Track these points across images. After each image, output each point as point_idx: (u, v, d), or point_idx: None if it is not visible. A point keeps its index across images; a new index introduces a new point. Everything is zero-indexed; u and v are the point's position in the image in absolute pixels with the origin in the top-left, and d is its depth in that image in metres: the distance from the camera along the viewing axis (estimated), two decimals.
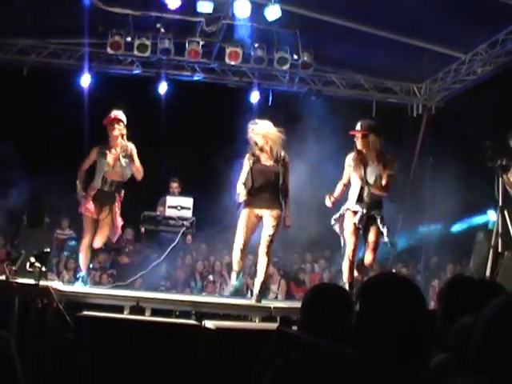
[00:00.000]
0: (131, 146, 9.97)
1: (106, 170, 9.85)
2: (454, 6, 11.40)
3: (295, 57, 13.89)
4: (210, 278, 14.48)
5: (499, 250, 10.00)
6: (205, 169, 15.75)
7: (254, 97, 14.92)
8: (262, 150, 9.37)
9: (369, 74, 15.17)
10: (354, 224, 9.23)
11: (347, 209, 9.36)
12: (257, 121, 9.61)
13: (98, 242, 10.14)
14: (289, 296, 14.26)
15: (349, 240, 9.29)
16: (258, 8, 12.54)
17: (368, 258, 9.33)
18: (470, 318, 2.67)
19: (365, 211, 9.20)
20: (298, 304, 3.63)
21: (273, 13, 12.41)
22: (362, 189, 9.24)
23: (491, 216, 11.18)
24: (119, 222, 10.21)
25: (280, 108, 14.24)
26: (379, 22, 12.64)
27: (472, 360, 1.98)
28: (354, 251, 9.28)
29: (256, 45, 13.70)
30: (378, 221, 9.27)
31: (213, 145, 16.25)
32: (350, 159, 9.38)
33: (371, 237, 9.31)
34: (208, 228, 14.12)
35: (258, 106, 14.99)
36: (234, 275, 9.92)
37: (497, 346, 1.88)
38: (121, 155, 9.87)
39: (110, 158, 9.83)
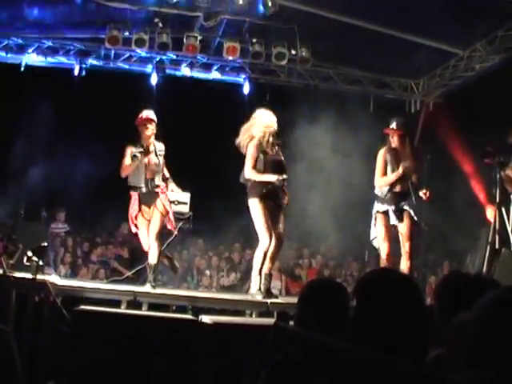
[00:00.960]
0: (162, 146, 9.97)
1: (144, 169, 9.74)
2: (453, 1, 11.40)
3: (293, 52, 13.88)
4: (207, 272, 14.48)
5: (496, 246, 10.01)
6: (202, 163, 15.75)
7: (246, 89, 14.89)
8: (266, 141, 9.31)
9: (367, 70, 15.16)
10: (386, 227, 9.25)
11: (377, 211, 9.36)
12: (258, 112, 9.57)
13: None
14: (285, 291, 14.27)
15: (382, 245, 9.29)
16: (255, 3, 12.54)
17: (406, 246, 9.29)
18: (467, 314, 2.67)
19: (393, 207, 9.23)
20: (294, 299, 3.63)
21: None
22: (394, 184, 9.28)
23: (489, 213, 11.18)
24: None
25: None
26: (377, 18, 12.64)
27: (468, 354, 1.98)
28: (389, 255, 9.30)
29: (254, 40, 13.68)
30: (411, 211, 9.27)
31: (210, 139, 16.26)
32: (383, 155, 9.46)
33: (404, 228, 9.28)
34: (205, 223, 14.12)
35: (255, 101, 14.97)
36: (257, 279, 9.45)
37: (492, 339, 1.88)
38: (155, 153, 9.84)
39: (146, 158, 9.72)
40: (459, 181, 13.69)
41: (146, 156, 9.67)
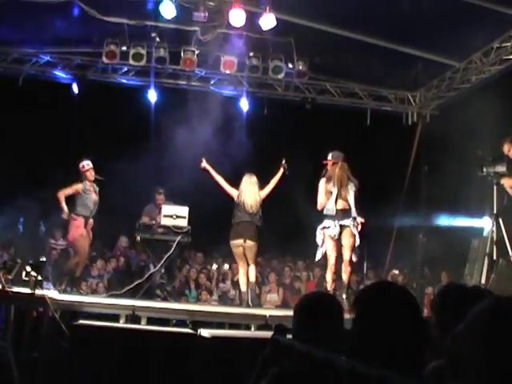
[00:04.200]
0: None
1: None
2: (449, 14, 11.44)
3: (290, 65, 13.91)
4: (208, 284, 14.48)
5: (494, 257, 10.02)
6: (200, 177, 15.76)
7: (244, 104, 14.93)
8: None
9: (363, 83, 15.20)
10: (332, 239, 10.65)
11: (323, 227, 10.76)
12: None
13: None
14: (284, 304, 14.26)
15: (331, 255, 10.75)
16: (252, 17, 12.57)
17: (346, 255, 10.64)
18: (461, 326, 2.68)
19: (336, 223, 10.63)
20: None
21: (267, 21, 12.42)
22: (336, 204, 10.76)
23: (486, 224, 11.19)
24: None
25: None
26: (374, 31, 12.67)
27: (463, 365, 1.99)
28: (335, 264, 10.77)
29: (251, 54, 13.71)
30: (351, 226, 10.63)
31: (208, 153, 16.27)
32: (323, 183, 10.89)
33: (345, 240, 10.63)
34: (204, 237, 14.14)
35: (252, 115, 15.02)
36: None
37: (486, 350, 1.88)
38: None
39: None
40: (456, 191, 13.70)
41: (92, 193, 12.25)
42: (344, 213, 10.67)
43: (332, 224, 10.61)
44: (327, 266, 10.84)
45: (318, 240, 10.79)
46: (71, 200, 12.01)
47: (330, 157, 10.90)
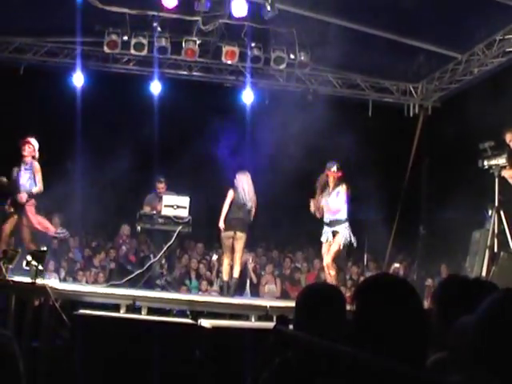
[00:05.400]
0: None
1: None
2: (452, 6, 11.41)
3: (292, 56, 13.87)
4: (208, 274, 14.49)
5: (495, 249, 10.02)
6: (201, 167, 15.76)
7: (246, 96, 14.90)
8: None
9: (365, 74, 15.17)
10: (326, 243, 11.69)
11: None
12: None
13: None
14: (284, 295, 14.27)
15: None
16: (254, 7, 12.55)
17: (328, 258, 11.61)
18: (468, 317, 2.67)
19: (327, 229, 11.67)
20: (293, 303, 3.64)
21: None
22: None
23: (487, 216, 11.18)
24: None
25: None
26: (376, 22, 12.65)
27: (470, 356, 1.98)
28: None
29: (253, 44, 13.67)
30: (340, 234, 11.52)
31: (208, 143, 16.25)
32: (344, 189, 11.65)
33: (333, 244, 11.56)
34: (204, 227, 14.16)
35: (254, 105, 15.00)
36: None
37: (495, 341, 1.88)
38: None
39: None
40: (457, 183, 13.69)
41: None
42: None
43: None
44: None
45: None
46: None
47: (335, 169, 11.58)
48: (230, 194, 12.02)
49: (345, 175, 11.67)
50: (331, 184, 11.61)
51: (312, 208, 11.70)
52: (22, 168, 11.30)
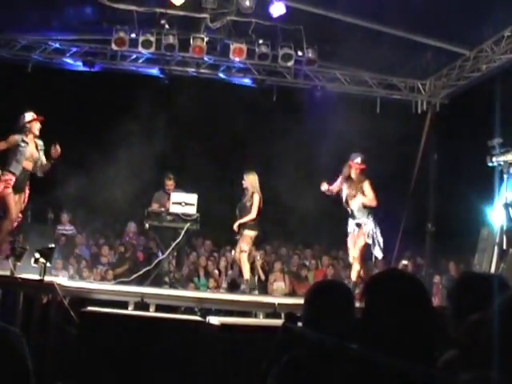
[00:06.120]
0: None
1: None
2: (459, 2, 11.38)
3: (300, 53, 13.85)
4: (216, 272, 14.48)
5: (504, 246, 10.00)
6: (208, 164, 15.77)
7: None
8: None
9: (373, 71, 15.13)
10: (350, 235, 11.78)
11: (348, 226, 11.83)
12: None
13: None
14: (292, 292, 14.26)
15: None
16: (262, 4, 12.55)
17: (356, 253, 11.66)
18: (479, 315, 2.65)
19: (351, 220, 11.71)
20: (301, 300, 3.63)
21: (277, 9, 12.43)
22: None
23: (496, 213, 11.16)
24: None
25: None
26: (384, 19, 12.62)
27: (482, 354, 1.97)
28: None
29: (260, 41, 13.65)
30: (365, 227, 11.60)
31: (216, 141, 16.28)
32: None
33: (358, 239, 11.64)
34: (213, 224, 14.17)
35: (262, 102, 15.00)
36: None
37: (508, 339, 1.87)
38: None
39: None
40: (466, 180, 13.68)
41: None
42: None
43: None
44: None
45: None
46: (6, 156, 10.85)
47: (359, 160, 11.62)
48: (258, 197, 12.27)
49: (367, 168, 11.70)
50: (354, 176, 11.65)
51: (324, 188, 11.71)
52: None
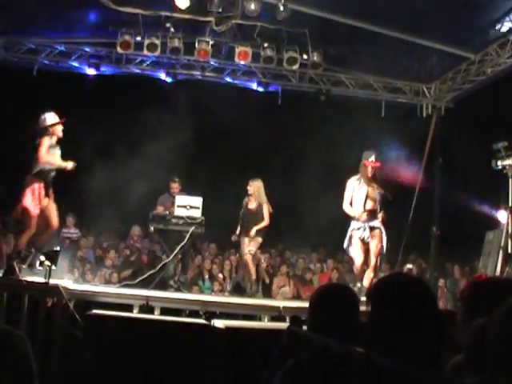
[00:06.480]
0: None
1: None
2: (464, 5, 11.37)
3: (305, 57, 13.86)
4: (220, 276, 14.48)
5: (509, 250, 9.99)
6: (213, 167, 15.79)
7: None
8: None
9: (378, 74, 15.12)
10: (362, 241, 11.15)
11: (352, 229, 11.23)
12: None
13: None
14: (296, 296, 14.26)
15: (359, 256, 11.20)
16: (267, 8, 12.57)
17: (372, 261, 11.18)
18: (483, 319, 2.65)
19: (366, 225, 11.16)
20: (306, 304, 3.63)
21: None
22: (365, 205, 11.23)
23: (501, 217, 11.15)
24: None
25: None
26: (389, 22, 12.62)
27: (488, 358, 1.97)
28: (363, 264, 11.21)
29: (265, 44, 13.66)
30: (382, 229, 11.25)
31: (220, 144, 16.28)
32: (352, 182, 11.31)
33: (374, 245, 11.19)
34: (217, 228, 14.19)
35: (267, 105, 15.02)
36: None
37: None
38: None
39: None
40: (471, 183, 13.67)
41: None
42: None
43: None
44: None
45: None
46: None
47: (373, 158, 11.34)
48: (267, 206, 12.62)
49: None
50: (371, 175, 11.27)
51: (363, 218, 11.20)
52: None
